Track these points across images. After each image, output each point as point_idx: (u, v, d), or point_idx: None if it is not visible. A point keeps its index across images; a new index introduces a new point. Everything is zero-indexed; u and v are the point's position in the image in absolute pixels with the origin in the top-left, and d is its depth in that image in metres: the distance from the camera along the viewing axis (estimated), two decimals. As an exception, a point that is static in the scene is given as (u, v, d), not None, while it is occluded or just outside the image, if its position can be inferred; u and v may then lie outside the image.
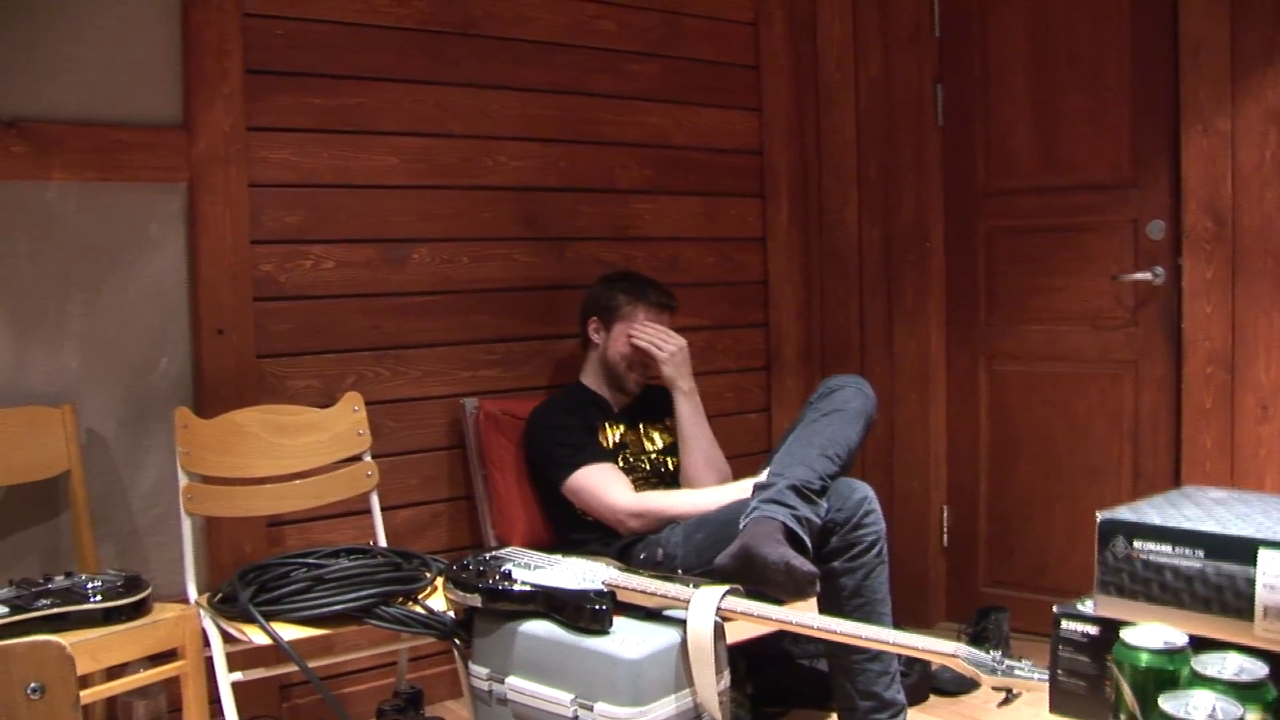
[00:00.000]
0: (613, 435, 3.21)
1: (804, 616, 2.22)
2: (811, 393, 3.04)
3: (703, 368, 3.62)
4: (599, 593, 2.18)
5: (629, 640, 2.11)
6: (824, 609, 2.71)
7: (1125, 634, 1.62)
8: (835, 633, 2.14)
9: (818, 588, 2.60)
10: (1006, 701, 3.09)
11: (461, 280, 3.36)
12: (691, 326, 3.67)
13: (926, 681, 3.21)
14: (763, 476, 2.77)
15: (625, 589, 2.22)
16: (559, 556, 2.44)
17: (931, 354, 3.87)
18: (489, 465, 3.23)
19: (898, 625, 2.76)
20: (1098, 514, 1.72)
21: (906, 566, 3.53)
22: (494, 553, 2.46)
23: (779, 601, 2.44)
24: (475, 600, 2.29)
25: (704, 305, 3.88)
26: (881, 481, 2.92)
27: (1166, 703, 1.49)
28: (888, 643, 2.09)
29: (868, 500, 2.76)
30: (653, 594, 2.21)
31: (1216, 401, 3.17)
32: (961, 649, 1.91)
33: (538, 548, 2.67)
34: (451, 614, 2.42)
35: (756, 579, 2.48)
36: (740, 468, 3.25)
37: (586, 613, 2.17)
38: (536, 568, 2.34)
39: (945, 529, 3.90)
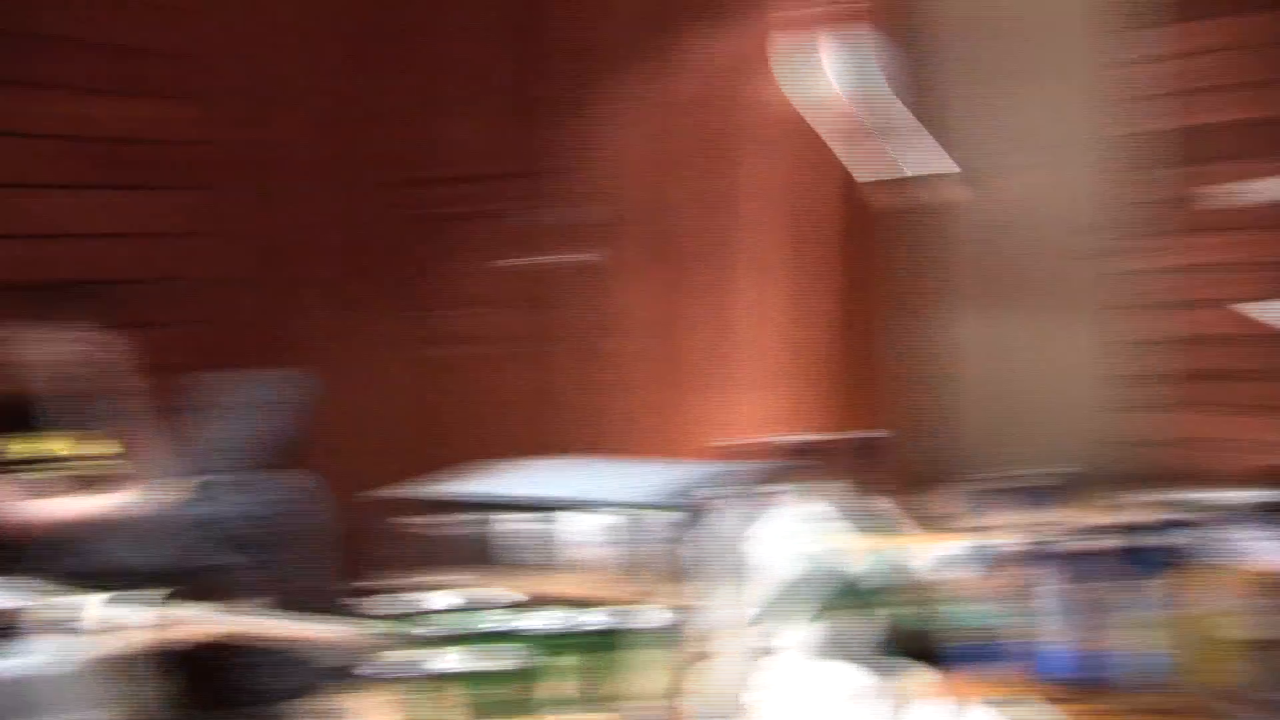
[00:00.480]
0: (18, 443, 3.06)
1: (208, 617, 2.22)
2: (225, 391, 3.02)
3: (139, 368, 3.51)
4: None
5: (21, 657, 2.04)
6: (256, 603, 2.71)
7: (421, 600, 1.74)
8: (245, 629, 2.15)
9: (242, 582, 2.60)
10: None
11: None
12: (116, 325, 3.55)
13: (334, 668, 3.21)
14: (177, 477, 2.74)
15: (11, 604, 2.14)
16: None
17: (357, 343, 3.93)
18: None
19: (333, 610, 2.80)
20: (374, 493, 1.84)
21: (345, 554, 3.58)
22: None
23: (215, 599, 2.42)
24: None
25: (133, 305, 3.73)
26: (315, 470, 2.95)
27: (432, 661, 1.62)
28: (294, 633, 2.13)
29: (288, 492, 2.78)
30: (41, 606, 2.15)
31: (609, 374, 3.40)
32: (361, 630, 1.98)
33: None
34: None
35: (160, 580, 2.46)
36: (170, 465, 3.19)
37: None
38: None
39: (377, 515, 3.97)
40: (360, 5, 3.89)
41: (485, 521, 1.76)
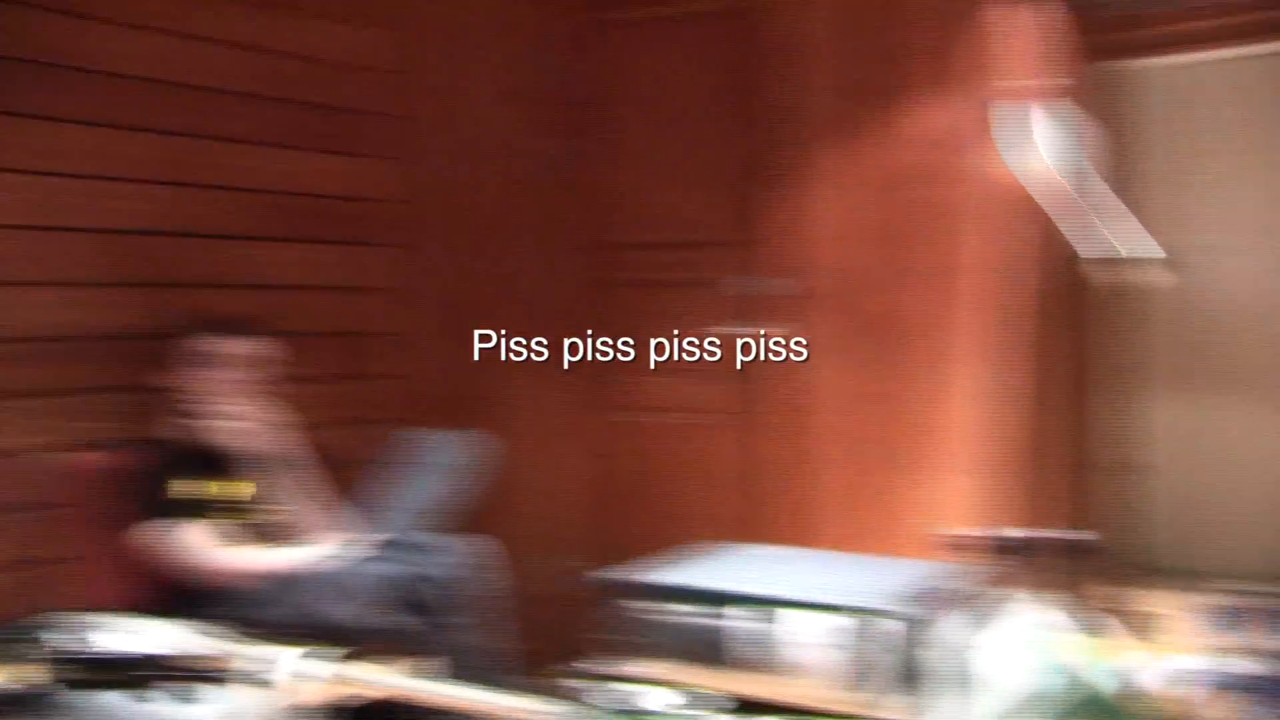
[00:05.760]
0: (212, 489, 3.11)
1: (390, 679, 2.21)
2: (412, 448, 3.04)
3: (324, 418, 3.57)
4: (176, 657, 2.11)
5: (207, 707, 2.05)
6: (434, 665, 2.70)
7: (631, 696, 1.67)
8: (428, 694, 2.13)
9: (421, 643, 2.60)
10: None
11: (59, 327, 3.16)
12: (314, 377, 3.61)
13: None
14: (362, 533, 2.76)
15: (205, 652, 2.16)
16: (149, 619, 2.35)
17: (550, 406, 3.93)
18: (83, 523, 3.07)
19: (511, 677, 2.78)
20: (590, 573, 1.78)
21: (523, 618, 3.57)
22: (75, 616, 2.34)
23: (384, 656, 2.42)
24: (47, 671, 2.17)
25: (329, 356, 3.81)
26: (497, 533, 2.94)
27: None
28: (488, 703, 2.10)
29: (470, 555, 2.78)
30: (236, 656, 2.16)
31: (813, 451, 3.34)
32: (561, 708, 1.94)
33: (131, 609, 2.56)
34: (18, 686, 2.29)
35: (342, 636, 2.46)
36: (355, 522, 3.21)
37: (162, 678, 2.10)
38: (119, 631, 2.24)
39: (561, 578, 3.95)
40: (558, 69, 3.94)
41: (698, 613, 1.69)
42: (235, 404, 3.15)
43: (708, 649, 1.73)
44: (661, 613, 1.76)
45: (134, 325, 3.33)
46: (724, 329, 3.59)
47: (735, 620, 1.74)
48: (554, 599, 3.94)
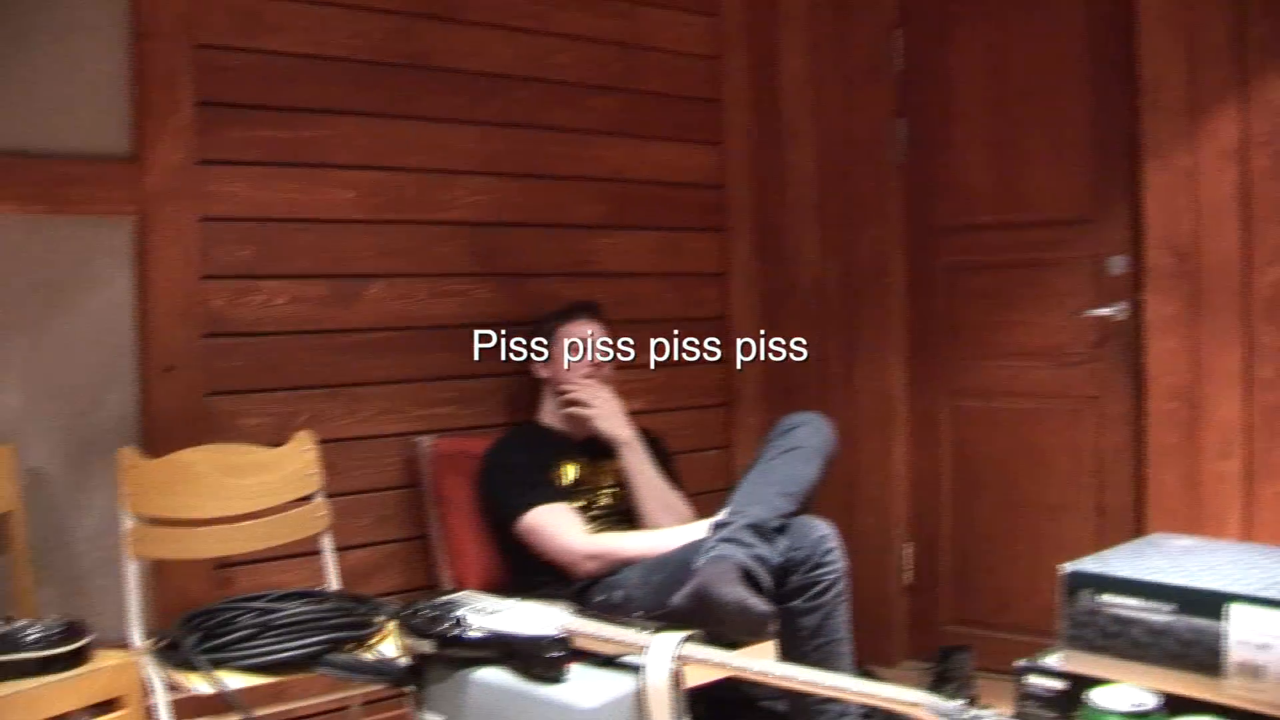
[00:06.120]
0: (570, 473, 3.16)
1: (762, 663, 2.18)
2: (770, 429, 3.00)
3: (661, 404, 3.59)
4: (553, 639, 2.13)
5: (584, 689, 2.07)
6: (784, 649, 2.66)
7: (1094, 695, 1.57)
8: (794, 680, 2.09)
9: (775, 628, 2.56)
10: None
11: (417, 316, 3.31)
12: (645, 362, 3.64)
13: (889, 723, 3.16)
14: (720, 516, 2.74)
15: (580, 634, 2.18)
16: (514, 600, 2.39)
17: (892, 390, 3.85)
18: (443, 505, 3.17)
19: (859, 664, 2.72)
20: (1064, 566, 1.68)
21: (868, 605, 3.49)
22: (448, 596, 2.41)
23: (737, 642, 2.39)
24: (427, 646, 2.24)
25: (659, 341, 3.83)
26: (842, 519, 2.87)
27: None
28: (848, 690, 2.05)
29: (827, 539, 2.72)
30: (609, 640, 2.16)
31: (1179, 438, 3.15)
32: (925, 698, 1.86)
33: (493, 590, 2.62)
34: (404, 660, 2.37)
35: (712, 620, 2.44)
36: (700, 505, 3.21)
37: (540, 660, 2.12)
38: (491, 612, 2.28)
39: (907, 567, 3.87)
40: (880, 50, 3.84)
41: (1162, 609, 1.58)
42: (590, 389, 3.19)
43: (1171, 648, 1.61)
44: (1124, 608, 1.64)
45: (494, 314, 3.45)
46: (1082, 311, 3.43)
47: (1207, 619, 1.61)
48: (893, 588, 3.88)
